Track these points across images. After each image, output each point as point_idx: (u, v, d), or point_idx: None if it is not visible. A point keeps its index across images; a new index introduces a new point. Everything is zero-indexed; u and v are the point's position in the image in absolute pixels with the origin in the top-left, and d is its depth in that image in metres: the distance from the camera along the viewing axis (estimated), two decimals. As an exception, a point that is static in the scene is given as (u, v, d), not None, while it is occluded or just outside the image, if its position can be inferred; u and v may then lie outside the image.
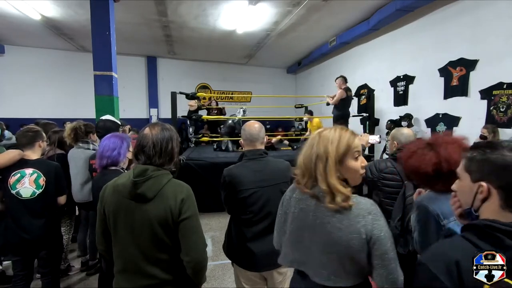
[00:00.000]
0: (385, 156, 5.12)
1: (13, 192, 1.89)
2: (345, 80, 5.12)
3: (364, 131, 6.27)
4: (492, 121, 3.77)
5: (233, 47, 8.07)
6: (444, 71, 4.53)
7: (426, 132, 4.85)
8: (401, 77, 5.49)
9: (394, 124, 5.08)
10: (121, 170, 1.81)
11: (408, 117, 4.91)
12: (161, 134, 1.15)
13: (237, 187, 1.55)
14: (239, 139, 1.88)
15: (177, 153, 1.23)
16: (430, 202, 1.19)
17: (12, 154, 1.92)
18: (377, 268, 0.90)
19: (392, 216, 1.81)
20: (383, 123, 5.80)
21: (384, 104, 5.90)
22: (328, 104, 5.40)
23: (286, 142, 6.52)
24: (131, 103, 8.89)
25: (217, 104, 8.54)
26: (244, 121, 2.06)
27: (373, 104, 5.64)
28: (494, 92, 3.78)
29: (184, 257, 1.12)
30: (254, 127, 1.65)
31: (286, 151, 5.77)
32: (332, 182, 0.91)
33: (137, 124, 5.31)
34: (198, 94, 5.65)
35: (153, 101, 9.53)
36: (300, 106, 7.10)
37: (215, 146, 5.86)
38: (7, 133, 4.51)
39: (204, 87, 10.27)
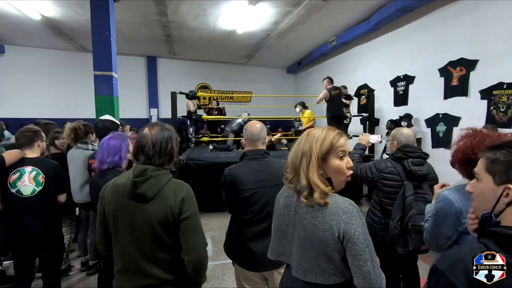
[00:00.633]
0: (385, 156, 5.12)
1: (13, 190, 1.90)
2: (331, 81, 5.25)
3: (364, 131, 6.27)
4: (492, 121, 3.77)
5: (233, 47, 8.07)
6: (444, 71, 4.53)
7: (426, 132, 4.85)
8: (401, 77, 5.49)
9: (394, 124, 5.08)
10: (120, 170, 1.80)
11: (407, 117, 4.91)
12: (160, 134, 1.15)
13: (237, 187, 1.55)
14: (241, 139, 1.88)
15: (177, 153, 1.23)
16: (457, 197, 1.18)
17: (15, 153, 1.95)
18: (352, 269, 0.90)
19: (392, 216, 1.82)
20: (383, 123, 5.80)
21: (384, 104, 5.90)
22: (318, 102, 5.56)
23: (284, 141, 6.52)
24: (131, 103, 8.89)
25: (217, 104, 8.54)
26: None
27: (373, 104, 5.64)
28: (494, 92, 3.78)
29: (184, 257, 1.12)
30: (255, 127, 1.64)
31: (286, 151, 5.77)
32: (312, 177, 0.93)
33: (137, 124, 5.31)
34: (198, 94, 5.65)
35: (153, 101, 9.53)
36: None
37: (211, 147, 5.73)
38: (6, 133, 4.52)
39: (204, 87, 10.28)
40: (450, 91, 4.44)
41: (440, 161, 2.14)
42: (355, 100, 6.75)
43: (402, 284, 2.05)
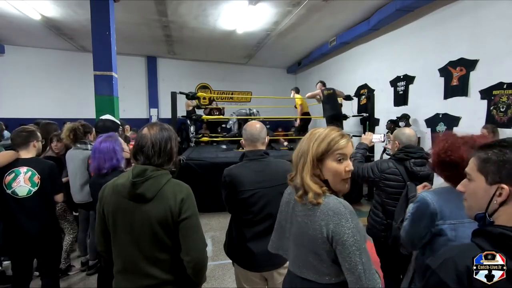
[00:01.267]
0: (385, 156, 5.12)
1: (9, 191, 1.88)
2: (323, 84, 5.72)
3: (364, 131, 6.27)
4: (492, 121, 3.77)
5: (233, 47, 8.07)
6: (444, 71, 4.53)
7: (426, 132, 4.85)
8: (401, 77, 5.49)
9: (394, 124, 5.08)
10: (121, 170, 1.80)
11: (405, 118, 4.91)
12: (159, 134, 1.15)
13: (237, 188, 1.55)
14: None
15: (176, 153, 1.22)
16: (434, 199, 1.20)
17: (9, 154, 1.93)
18: (344, 272, 0.89)
19: (395, 217, 1.81)
20: (383, 123, 5.80)
21: (384, 104, 5.90)
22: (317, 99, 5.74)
23: (284, 142, 6.53)
24: (131, 103, 8.88)
25: (216, 104, 8.56)
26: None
27: (373, 104, 5.64)
28: (494, 92, 3.78)
29: (184, 257, 1.11)
30: (255, 127, 1.64)
31: (287, 151, 5.78)
32: (305, 178, 0.94)
33: (137, 124, 5.30)
34: (198, 94, 5.65)
35: (153, 101, 9.53)
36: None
37: (224, 147, 6.05)
38: (6, 133, 4.51)
39: (204, 87, 10.27)
40: (450, 91, 4.44)
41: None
42: (355, 100, 6.75)
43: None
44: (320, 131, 0.99)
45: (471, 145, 1.16)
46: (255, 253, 1.54)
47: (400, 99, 5.54)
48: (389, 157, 2.33)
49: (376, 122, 6.03)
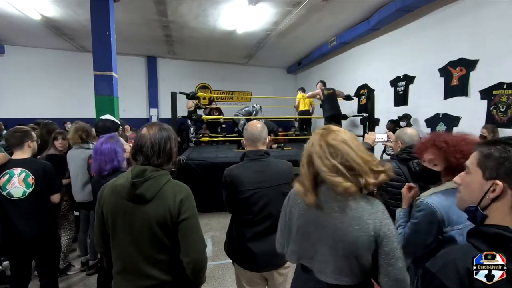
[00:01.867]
0: (385, 156, 5.12)
1: (4, 193, 1.87)
2: (323, 84, 5.74)
3: (364, 131, 6.27)
4: (492, 121, 3.77)
5: (233, 47, 8.06)
6: (444, 71, 4.53)
7: (426, 133, 4.84)
8: (401, 77, 5.49)
9: (394, 124, 5.08)
10: (122, 171, 1.80)
11: (406, 117, 4.91)
12: (159, 134, 1.14)
13: (237, 188, 1.55)
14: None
15: (176, 153, 1.21)
16: (439, 206, 1.16)
17: (1, 156, 1.92)
18: (384, 267, 0.89)
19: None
20: (383, 123, 5.80)
21: (384, 104, 5.89)
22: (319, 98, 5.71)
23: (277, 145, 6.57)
24: (131, 103, 8.88)
25: (216, 104, 8.57)
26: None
27: (373, 104, 5.64)
28: (494, 92, 3.78)
29: (183, 258, 1.11)
30: (256, 127, 1.64)
31: (287, 151, 5.77)
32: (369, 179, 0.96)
33: (137, 124, 5.29)
34: (198, 94, 5.65)
35: (153, 101, 9.52)
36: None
37: (235, 150, 5.94)
38: (5, 133, 4.51)
39: (204, 87, 10.27)
40: (450, 91, 4.43)
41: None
42: (355, 100, 6.74)
43: None
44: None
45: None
46: (255, 253, 1.54)
47: (400, 99, 5.54)
48: (389, 157, 2.33)
49: (376, 122, 6.04)
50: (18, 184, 1.89)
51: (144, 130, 1.15)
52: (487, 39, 3.88)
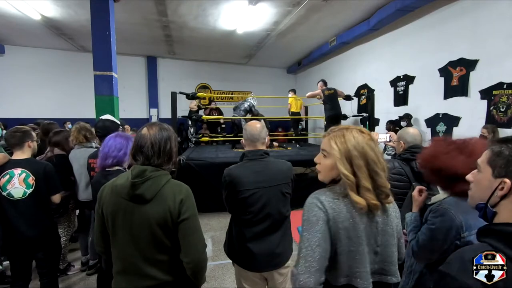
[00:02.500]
0: (385, 156, 5.12)
1: (4, 193, 1.87)
2: (324, 83, 5.60)
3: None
4: (492, 121, 3.77)
5: (233, 47, 8.06)
6: (444, 71, 4.53)
7: (426, 133, 4.84)
8: (401, 77, 5.49)
9: (393, 124, 5.07)
10: (123, 170, 1.79)
11: (407, 117, 4.91)
12: (159, 134, 1.14)
13: (237, 187, 1.55)
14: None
15: (176, 153, 1.21)
16: (457, 211, 1.14)
17: (0, 156, 1.91)
18: (400, 257, 1.04)
19: (401, 218, 1.79)
20: (383, 123, 5.80)
21: (384, 104, 5.90)
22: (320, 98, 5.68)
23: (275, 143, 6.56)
24: (131, 103, 8.89)
25: (215, 104, 8.57)
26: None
27: (373, 104, 5.64)
28: (494, 92, 3.78)
29: (183, 258, 1.11)
30: (255, 127, 1.64)
31: (287, 151, 5.78)
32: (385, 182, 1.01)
33: (137, 124, 5.30)
34: (198, 94, 5.65)
35: (153, 101, 9.53)
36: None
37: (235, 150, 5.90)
38: (5, 133, 4.51)
39: (204, 87, 10.27)
40: (450, 91, 4.43)
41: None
42: (355, 100, 6.75)
43: None
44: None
45: (462, 151, 1.18)
46: (255, 253, 1.54)
47: (400, 99, 5.54)
48: (389, 157, 2.32)
49: (376, 122, 6.04)
50: (19, 184, 1.89)
51: (144, 130, 1.15)
52: (487, 39, 3.88)
